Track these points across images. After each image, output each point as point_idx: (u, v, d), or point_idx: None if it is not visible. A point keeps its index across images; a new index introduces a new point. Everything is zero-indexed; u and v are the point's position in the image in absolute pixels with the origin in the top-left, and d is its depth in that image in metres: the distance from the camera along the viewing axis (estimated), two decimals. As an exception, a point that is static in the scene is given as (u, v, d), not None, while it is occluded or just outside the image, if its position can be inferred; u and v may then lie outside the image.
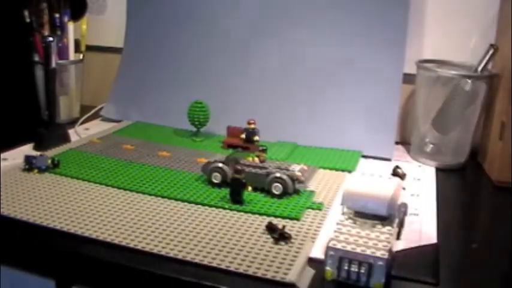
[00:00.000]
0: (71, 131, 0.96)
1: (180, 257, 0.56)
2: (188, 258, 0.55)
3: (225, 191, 0.71)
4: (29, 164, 0.77)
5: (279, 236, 0.59)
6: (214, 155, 0.79)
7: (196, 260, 0.55)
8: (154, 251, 0.57)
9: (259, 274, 0.53)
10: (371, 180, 0.56)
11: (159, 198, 0.71)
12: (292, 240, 0.60)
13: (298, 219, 0.65)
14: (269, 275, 0.53)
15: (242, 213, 0.67)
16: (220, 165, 0.74)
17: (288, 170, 0.72)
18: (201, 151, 0.89)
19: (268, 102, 0.99)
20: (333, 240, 0.53)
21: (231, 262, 0.55)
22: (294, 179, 0.71)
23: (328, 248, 0.52)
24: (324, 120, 0.95)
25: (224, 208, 0.68)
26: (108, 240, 0.59)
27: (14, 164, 0.80)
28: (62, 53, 1.04)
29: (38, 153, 0.81)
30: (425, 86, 0.89)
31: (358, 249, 0.51)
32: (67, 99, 1.06)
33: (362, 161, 0.88)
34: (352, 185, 0.56)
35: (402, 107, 0.99)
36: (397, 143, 0.98)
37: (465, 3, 0.94)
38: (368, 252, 0.51)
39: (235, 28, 1.03)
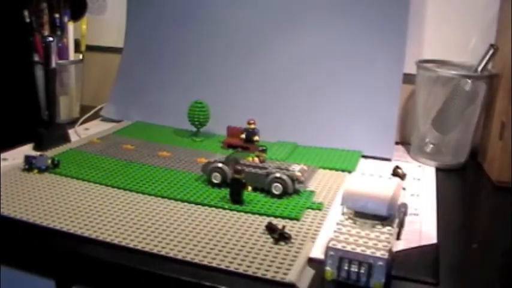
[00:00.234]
0: (71, 131, 0.96)
1: (180, 257, 0.56)
2: (188, 258, 0.55)
3: (225, 191, 0.71)
4: (29, 164, 0.77)
5: (279, 236, 0.59)
6: (214, 155, 0.79)
7: (196, 260, 0.55)
8: (154, 251, 0.57)
9: (259, 274, 0.53)
10: (371, 180, 0.56)
11: (159, 198, 0.71)
12: (292, 240, 0.59)
13: (298, 219, 0.65)
14: (269, 275, 0.53)
15: (242, 213, 0.67)
16: (220, 165, 0.74)
17: (288, 170, 0.72)
18: (201, 151, 0.89)
19: (268, 102, 0.99)
20: (333, 240, 0.53)
21: (231, 262, 0.55)
22: (294, 179, 0.71)
23: (328, 248, 0.52)
24: (324, 120, 0.95)
25: (224, 208, 0.68)
26: (108, 240, 0.59)
27: (14, 164, 0.80)
28: (62, 53, 1.04)
29: (38, 153, 0.81)
30: (425, 86, 0.89)
31: (358, 249, 0.51)
32: (67, 99, 1.06)
33: (362, 161, 0.88)
34: (352, 185, 0.56)
35: (402, 107, 0.99)
36: (397, 143, 0.98)
37: (465, 4, 0.94)
38: (368, 252, 0.51)
39: (235, 28, 1.03)
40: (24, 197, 0.68)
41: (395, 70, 0.93)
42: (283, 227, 0.61)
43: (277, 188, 0.71)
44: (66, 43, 1.05)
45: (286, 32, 1.00)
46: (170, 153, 0.87)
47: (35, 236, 0.61)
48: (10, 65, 1.05)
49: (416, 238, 0.63)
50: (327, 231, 0.62)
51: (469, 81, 0.83)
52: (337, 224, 0.55)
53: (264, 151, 0.77)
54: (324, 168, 0.84)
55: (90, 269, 0.58)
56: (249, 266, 0.54)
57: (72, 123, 1.05)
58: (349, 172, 0.82)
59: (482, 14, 0.94)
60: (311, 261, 0.56)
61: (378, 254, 0.50)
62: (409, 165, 0.88)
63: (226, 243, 0.59)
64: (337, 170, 0.83)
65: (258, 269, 0.54)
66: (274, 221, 0.64)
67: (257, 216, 0.66)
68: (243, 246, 0.58)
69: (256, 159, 0.75)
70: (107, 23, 1.19)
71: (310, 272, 0.54)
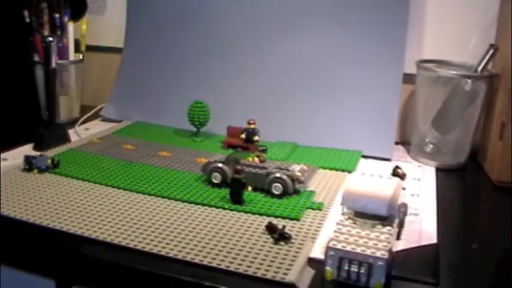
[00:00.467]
0: (71, 131, 0.96)
1: (180, 257, 0.56)
2: (188, 258, 0.55)
3: (225, 191, 0.71)
4: (29, 164, 0.77)
5: (279, 236, 0.59)
6: (214, 155, 0.79)
7: (196, 260, 0.55)
8: (154, 251, 0.57)
9: (259, 274, 0.53)
10: (371, 180, 0.56)
11: (159, 198, 0.71)
12: (292, 240, 0.59)
13: (298, 220, 0.65)
14: (269, 275, 0.53)
15: (242, 213, 0.67)
16: (220, 165, 0.74)
17: (288, 170, 0.72)
18: (201, 151, 0.89)
19: (268, 102, 0.99)
20: (333, 240, 0.53)
21: (231, 262, 0.55)
22: (294, 179, 0.71)
23: (328, 248, 0.52)
24: (324, 120, 0.95)
25: (224, 208, 0.68)
26: (108, 240, 0.59)
27: (14, 164, 0.80)
28: (62, 53, 1.04)
29: (38, 153, 0.81)
30: (425, 86, 0.89)
31: (358, 249, 0.51)
32: (67, 99, 1.06)
33: (362, 161, 0.88)
34: (352, 185, 0.56)
35: (402, 107, 0.99)
36: (397, 143, 0.98)
37: (465, 3, 0.94)
38: (368, 252, 0.51)
39: (236, 28, 1.03)
40: (24, 197, 0.68)
41: (395, 70, 0.93)
42: (283, 227, 0.61)
43: (277, 188, 0.71)
44: (66, 43, 1.05)
45: (286, 32, 1.00)
46: (170, 153, 0.87)
47: (35, 236, 0.61)
48: (10, 65, 1.05)
49: (416, 238, 0.63)
50: (327, 231, 0.62)
51: (469, 81, 0.83)
52: (337, 224, 0.55)
53: (264, 151, 0.77)
54: (324, 168, 0.84)
55: (90, 269, 0.58)
56: (249, 266, 0.54)
57: (72, 123, 1.05)
58: (349, 172, 0.82)
59: (482, 14, 0.94)
60: (311, 261, 0.56)
61: (378, 254, 0.50)
62: (409, 165, 0.88)
63: (226, 243, 0.59)
64: (337, 170, 0.83)
65: (258, 269, 0.54)
66: (274, 221, 0.64)
67: (257, 216, 0.66)
68: (243, 246, 0.58)
69: (256, 159, 0.75)
70: (107, 23, 1.19)
71: (310, 272, 0.54)
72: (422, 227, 0.66)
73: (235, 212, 0.67)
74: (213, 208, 0.68)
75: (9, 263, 0.63)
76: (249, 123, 0.89)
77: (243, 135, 0.89)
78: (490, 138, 0.87)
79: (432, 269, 0.56)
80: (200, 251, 0.57)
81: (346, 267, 0.51)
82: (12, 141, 0.89)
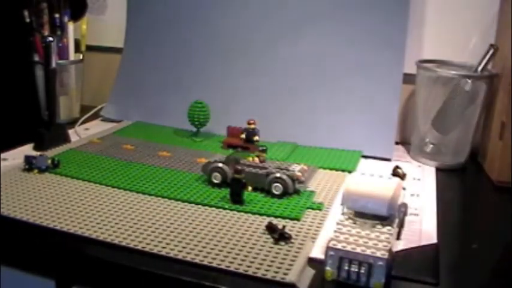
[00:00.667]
0: (71, 131, 0.96)
1: (180, 257, 0.56)
2: (188, 258, 0.55)
3: (225, 191, 0.71)
4: (29, 164, 0.77)
5: (279, 236, 0.59)
6: (214, 155, 0.79)
7: (196, 260, 0.55)
8: (154, 251, 0.57)
9: (259, 274, 0.53)
10: (371, 180, 0.56)
11: (159, 198, 0.71)
12: (292, 240, 0.59)
13: (298, 220, 0.65)
14: (269, 275, 0.53)
15: (242, 213, 0.67)
16: (220, 165, 0.74)
17: (288, 170, 0.72)
18: (201, 151, 0.89)
19: (268, 102, 0.99)
20: (333, 240, 0.53)
21: (231, 262, 0.55)
22: (294, 179, 0.71)
23: (328, 248, 0.52)
24: (324, 120, 0.95)
25: (224, 208, 0.68)
26: (108, 240, 0.59)
27: (14, 164, 0.80)
28: (62, 53, 1.04)
29: (38, 153, 0.81)
30: (425, 86, 0.89)
31: (358, 249, 0.51)
32: (67, 99, 1.06)
33: (362, 161, 0.88)
34: (352, 185, 0.56)
35: (402, 107, 0.99)
36: (397, 143, 0.98)
37: (465, 4, 0.94)
38: (368, 252, 0.51)
39: (236, 28, 1.03)
40: (24, 197, 0.68)
41: (395, 70, 0.93)
42: (283, 227, 0.61)
43: (277, 188, 0.71)
44: (66, 43, 1.05)
45: (287, 32, 1.00)
46: (170, 153, 0.87)
47: (35, 236, 0.61)
48: (10, 65, 1.05)
49: (416, 238, 0.63)
50: (327, 231, 0.62)
51: (469, 81, 0.83)
52: (337, 224, 0.55)
53: (264, 151, 0.77)
54: (324, 168, 0.84)
55: (90, 269, 0.58)
56: (249, 266, 0.54)
57: (72, 123, 1.05)
58: (349, 172, 0.82)
59: (482, 14, 0.94)
60: (311, 261, 0.56)
61: (378, 254, 0.50)
62: (409, 165, 0.88)
63: (227, 243, 0.59)
64: (337, 170, 0.83)
65: (258, 269, 0.54)
66: (274, 221, 0.64)
67: (257, 216, 0.66)
68: (243, 246, 0.58)
69: (256, 159, 0.75)
70: (106, 23, 1.19)
71: (310, 272, 0.54)
72: (422, 227, 0.66)
73: (235, 212, 0.67)
74: (213, 208, 0.68)
75: (9, 263, 0.63)
76: (249, 123, 0.89)
77: (243, 135, 0.89)
78: (490, 138, 0.87)
79: (432, 269, 0.56)
80: (200, 251, 0.57)
81: (346, 267, 0.51)
82: (12, 141, 0.89)
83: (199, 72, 1.05)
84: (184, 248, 0.57)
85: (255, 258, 0.56)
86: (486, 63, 0.85)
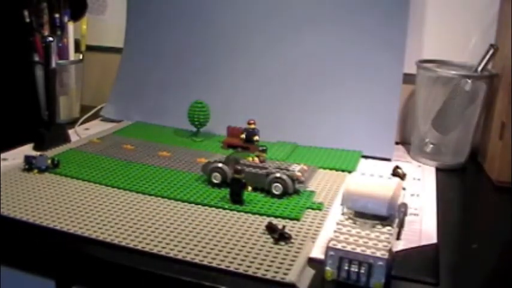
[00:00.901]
0: (71, 131, 0.96)
1: (180, 257, 0.56)
2: (188, 258, 0.55)
3: (225, 191, 0.71)
4: (29, 164, 0.77)
5: (279, 236, 0.59)
6: (214, 155, 0.79)
7: (196, 260, 0.55)
8: (154, 251, 0.57)
9: (259, 274, 0.53)
10: (371, 180, 0.56)
11: (159, 198, 0.71)
12: (292, 241, 0.59)
13: (298, 220, 0.65)
14: (269, 275, 0.53)
15: (242, 213, 0.67)
16: (220, 165, 0.74)
17: (288, 170, 0.72)
18: (201, 151, 0.89)
19: (268, 102, 0.99)
20: (333, 240, 0.53)
21: (231, 262, 0.55)
22: (294, 179, 0.71)
23: (328, 248, 0.52)
24: (324, 120, 0.95)
25: (224, 208, 0.68)
26: (108, 240, 0.59)
27: (14, 164, 0.80)
28: (62, 53, 1.04)
29: (38, 153, 0.81)
30: (425, 86, 0.89)
31: (358, 249, 0.51)
32: (67, 99, 1.06)
33: (362, 161, 0.88)
34: (352, 185, 0.56)
35: (402, 107, 0.99)
36: (397, 143, 0.98)
37: (465, 3, 0.94)
38: (368, 252, 0.51)
39: (236, 28, 1.03)
40: (24, 197, 0.68)
41: (395, 70, 0.93)
42: (283, 227, 0.61)
43: (277, 188, 0.71)
44: (66, 43, 1.05)
45: (287, 33, 1.00)
46: (170, 153, 0.87)
47: (35, 236, 0.61)
48: (10, 65, 1.05)
49: (416, 238, 0.63)
50: (327, 231, 0.62)
51: (469, 81, 0.83)
52: (337, 224, 0.55)
53: (264, 151, 0.77)
54: (324, 168, 0.84)
55: (90, 269, 0.58)
56: (249, 266, 0.54)
57: (72, 123, 1.05)
58: (349, 172, 0.82)
59: (482, 14, 0.94)
60: (311, 261, 0.56)
61: (378, 254, 0.50)
62: (409, 165, 0.88)
63: (226, 243, 0.59)
64: (337, 170, 0.83)
65: (258, 269, 0.54)
66: (274, 221, 0.64)
67: (257, 216, 0.66)
68: (243, 246, 0.58)
69: (256, 159, 0.75)
70: (106, 23, 1.19)
71: (310, 272, 0.54)
72: (422, 227, 0.66)
73: (235, 212, 0.67)
74: (213, 208, 0.68)
75: (9, 263, 0.63)
76: (249, 123, 0.89)
77: (243, 135, 0.89)
78: (490, 138, 0.87)
79: (432, 269, 0.56)
80: (200, 251, 0.57)
81: (346, 267, 0.51)
82: (12, 141, 0.89)
83: (200, 72, 1.05)
84: (184, 248, 0.57)
85: (255, 258, 0.56)
86: (486, 63, 0.85)
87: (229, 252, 0.57)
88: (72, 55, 1.06)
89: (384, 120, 0.92)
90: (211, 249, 0.57)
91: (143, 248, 0.57)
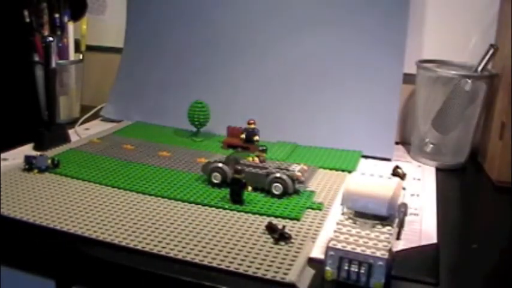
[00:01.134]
0: (71, 131, 0.96)
1: (180, 257, 0.56)
2: (188, 258, 0.55)
3: (225, 191, 0.71)
4: (29, 164, 0.77)
5: (279, 236, 0.59)
6: (214, 155, 0.79)
7: (196, 260, 0.55)
8: (154, 251, 0.57)
9: (259, 274, 0.53)
10: (371, 180, 0.56)
11: (159, 198, 0.71)
12: (292, 240, 0.59)
13: (298, 219, 0.65)
14: (269, 275, 0.53)
15: (242, 213, 0.67)
16: (220, 165, 0.74)
17: (288, 170, 0.72)
18: (201, 151, 0.89)
19: (268, 102, 0.99)
20: (333, 240, 0.53)
21: (231, 262, 0.55)
22: (294, 179, 0.71)
23: (328, 248, 0.52)
24: (324, 120, 0.95)
25: (224, 208, 0.68)
26: (108, 240, 0.59)
27: (14, 164, 0.80)
28: (62, 53, 1.04)
29: (38, 153, 0.81)
30: (425, 86, 0.89)
31: (358, 249, 0.51)
32: (67, 99, 1.06)
33: (362, 161, 0.88)
34: (352, 185, 0.56)
35: (402, 107, 0.99)
36: (397, 143, 0.98)
37: (465, 3, 0.94)
38: (368, 252, 0.51)
39: (236, 28, 1.03)
40: (24, 197, 0.68)
41: (395, 70, 0.93)
42: (283, 227, 0.61)
43: (277, 188, 0.71)
44: (66, 43, 1.05)
45: (287, 33, 1.00)
46: (170, 153, 0.87)
47: (35, 236, 0.61)
48: (10, 65, 1.05)
49: (416, 238, 0.63)
50: (327, 231, 0.62)
51: (469, 81, 0.83)
52: (337, 224, 0.55)
53: (264, 151, 0.77)
54: (324, 168, 0.84)
55: (90, 269, 0.58)
56: (249, 266, 0.54)
57: (72, 123, 1.05)
58: (349, 172, 0.82)
59: (482, 14, 0.94)
60: (311, 261, 0.56)
61: (378, 254, 0.50)
62: (409, 165, 0.88)
63: (226, 243, 0.59)
64: (337, 170, 0.83)
65: (258, 269, 0.54)
66: (274, 221, 0.64)
67: (257, 216, 0.66)
68: (243, 246, 0.58)
69: (256, 159, 0.75)
70: (106, 23, 1.19)
71: (310, 272, 0.54)
72: (422, 227, 0.66)
73: (235, 212, 0.67)
74: (213, 208, 0.68)
75: (9, 263, 0.63)
76: (249, 123, 0.89)
77: (243, 135, 0.89)
78: (490, 138, 0.87)
79: (432, 269, 0.56)
80: (200, 251, 0.57)
81: (346, 267, 0.51)
82: (12, 141, 0.89)
83: (199, 72, 1.05)
84: (184, 248, 0.57)
85: (255, 258, 0.56)
86: (486, 63, 0.85)
87: (229, 252, 0.57)
88: (72, 55, 1.06)
89: (384, 120, 0.92)
90: (211, 249, 0.57)
91: (143, 248, 0.57)
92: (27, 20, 1.01)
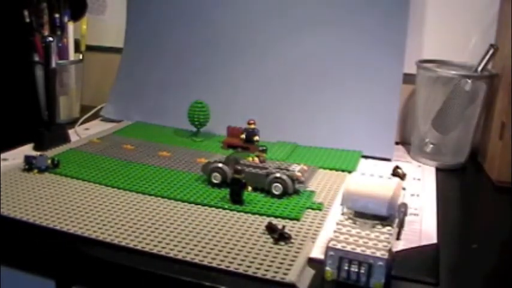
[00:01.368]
0: (71, 131, 0.96)
1: (180, 257, 0.56)
2: (188, 258, 0.55)
3: (225, 191, 0.71)
4: (29, 164, 0.77)
5: (279, 236, 0.59)
6: (214, 155, 0.79)
7: (196, 260, 0.55)
8: (154, 251, 0.57)
9: (259, 274, 0.53)
10: (371, 180, 0.56)
11: (159, 198, 0.71)
12: (292, 241, 0.59)
13: (298, 220, 0.65)
14: (269, 275, 0.53)
15: (242, 213, 0.67)
16: (220, 165, 0.74)
17: (288, 170, 0.72)
18: (201, 151, 0.89)
19: (268, 102, 0.99)
20: (333, 240, 0.53)
21: (231, 262, 0.55)
22: (294, 179, 0.71)
23: (328, 248, 0.52)
24: (324, 120, 0.95)
25: (224, 208, 0.68)
26: (108, 240, 0.59)
27: (14, 164, 0.80)
28: (62, 53, 1.04)
29: (38, 153, 0.81)
30: (425, 86, 0.89)
31: (358, 250, 0.51)
32: (67, 99, 1.06)
33: (362, 161, 0.88)
34: (352, 185, 0.56)
35: (402, 107, 0.99)
36: (397, 143, 0.98)
37: (465, 3, 0.94)
38: (368, 252, 0.51)
39: (236, 28, 1.03)
40: (24, 197, 0.68)
41: (395, 70, 0.93)
42: (283, 227, 0.61)
43: (277, 188, 0.71)
44: (66, 43, 1.05)
45: (287, 33, 1.00)
46: (170, 153, 0.87)
47: (35, 236, 0.61)
48: (10, 65, 1.05)
49: (416, 238, 0.63)
50: (327, 231, 0.62)
51: (469, 81, 0.83)
52: (337, 224, 0.55)
53: (264, 151, 0.77)
54: (324, 168, 0.84)
55: (90, 269, 0.58)
56: (249, 266, 0.54)
57: (72, 123, 1.05)
58: (349, 172, 0.82)
59: (482, 14, 0.94)
60: (311, 261, 0.56)
61: (378, 254, 0.50)
62: (409, 165, 0.88)
63: (226, 243, 0.59)
64: (337, 170, 0.83)
65: (258, 269, 0.54)
66: (274, 221, 0.64)
67: (257, 216, 0.66)
68: (243, 246, 0.58)
69: (256, 159, 0.75)
70: (106, 23, 1.19)
71: (310, 272, 0.54)
72: (422, 227, 0.66)
73: (235, 212, 0.67)
74: (213, 208, 0.68)
75: (9, 263, 0.63)
76: (249, 123, 0.89)
77: (243, 135, 0.89)
78: (490, 138, 0.87)
79: (432, 269, 0.56)
80: (200, 251, 0.57)
81: (346, 267, 0.51)
82: (12, 141, 0.89)
83: (200, 72, 1.05)
84: (184, 248, 0.57)
85: (255, 258, 0.56)
86: (486, 63, 0.85)
87: (229, 252, 0.57)
88: (72, 55, 1.06)
89: (384, 120, 0.92)
90: (211, 249, 0.57)
91: (143, 248, 0.57)
92: (27, 20, 1.01)
